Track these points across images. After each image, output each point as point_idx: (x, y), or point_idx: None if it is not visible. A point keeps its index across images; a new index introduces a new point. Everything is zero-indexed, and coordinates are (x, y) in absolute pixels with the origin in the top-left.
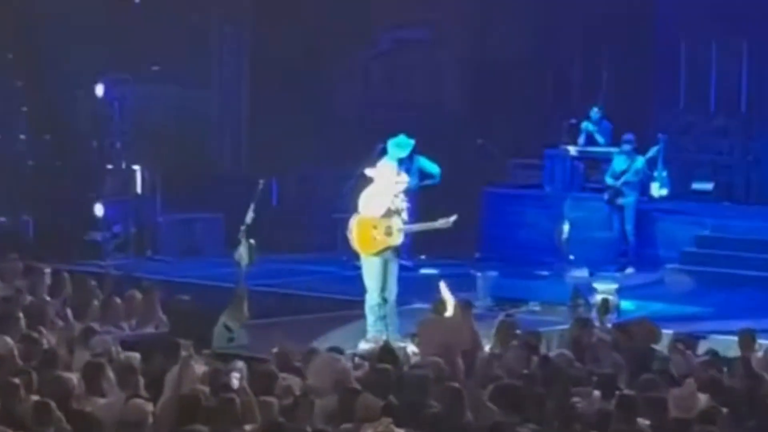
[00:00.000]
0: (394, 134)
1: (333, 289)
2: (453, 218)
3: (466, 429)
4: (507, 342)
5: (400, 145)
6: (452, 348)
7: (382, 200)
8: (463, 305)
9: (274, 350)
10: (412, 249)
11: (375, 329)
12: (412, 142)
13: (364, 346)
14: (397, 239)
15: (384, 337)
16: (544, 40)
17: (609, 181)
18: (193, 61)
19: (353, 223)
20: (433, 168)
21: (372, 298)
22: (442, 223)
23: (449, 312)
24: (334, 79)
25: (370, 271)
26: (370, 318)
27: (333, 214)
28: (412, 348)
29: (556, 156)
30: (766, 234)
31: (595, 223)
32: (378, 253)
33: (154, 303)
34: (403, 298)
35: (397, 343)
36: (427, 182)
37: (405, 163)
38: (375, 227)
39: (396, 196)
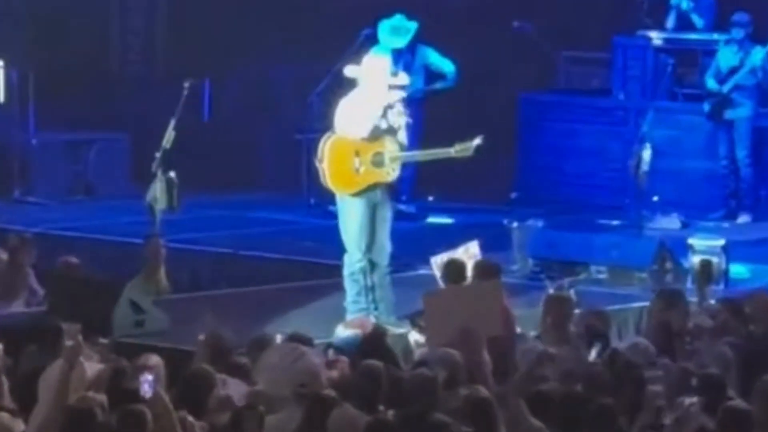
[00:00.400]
0: (387, 15)
1: (295, 248)
2: (477, 141)
3: None
4: (559, 327)
5: (396, 30)
6: (475, 336)
7: (369, 113)
8: (490, 270)
9: (203, 338)
10: (415, 187)
11: (357, 307)
12: (413, 25)
13: (342, 332)
14: (391, 172)
15: (372, 320)
16: None
17: (711, 84)
18: None
19: (326, 147)
20: (446, 64)
21: (353, 260)
22: (460, 149)
23: (470, 280)
24: None
25: (350, 220)
26: (351, 291)
27: (295, 135)
28: (414, 336)
29: (630, 46)
30: None
31: (690, 147)
32: (362, 192)
33: (23, 268)
34: (401, 261)
35: (392, 329)
36: (437, 86)
37: (404, 57)
38: (358, 154)
39: (390, 106)
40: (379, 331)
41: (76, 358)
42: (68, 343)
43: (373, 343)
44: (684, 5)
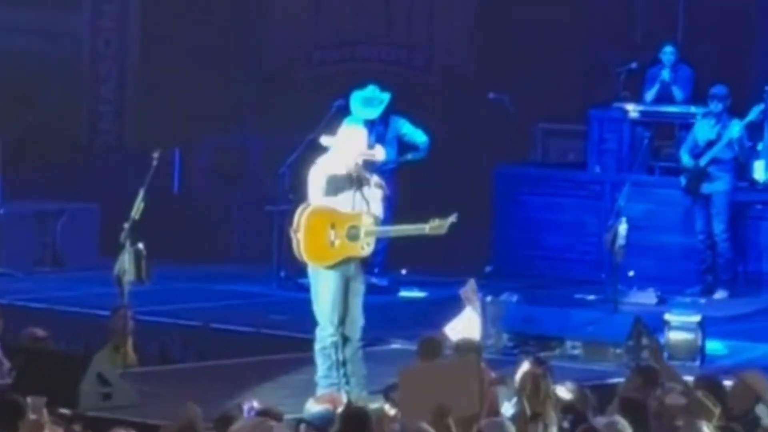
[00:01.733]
0: (360, 86)
1: (265, 321)
2: (451, 219)
3: None
4: (536, 404)
5: (368, 101)
6: (448, 413)
7: (344, 186)
8: (469, 346)
9: (175, 414)
10: (388, 260)
11: (329, 382)
12: (386, 96)
13: (312, 407)
14: (366, 247)
15: (343, 395)
16: None
17: (685, 160)
18: None
19: (303, 217)
20: (418, 136)
21: (325, 334)
22: (434, 226)
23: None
24: (267, 5)
25: (323, 293)
26: (323, 365)
27: (266, 206)
28: (388, 410)
29: (606, 119)
30: None
31: (667, 221)
32: (335, 266)
33: None
34: (373, 335)
35: (364, 404)
36: (409, 156)
37: (376, 128)
38: (334, 226)
39: (366, 179)
40: (358, 407)
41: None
42: (31, 416)
43: (351, 418)
44: (665, 77)
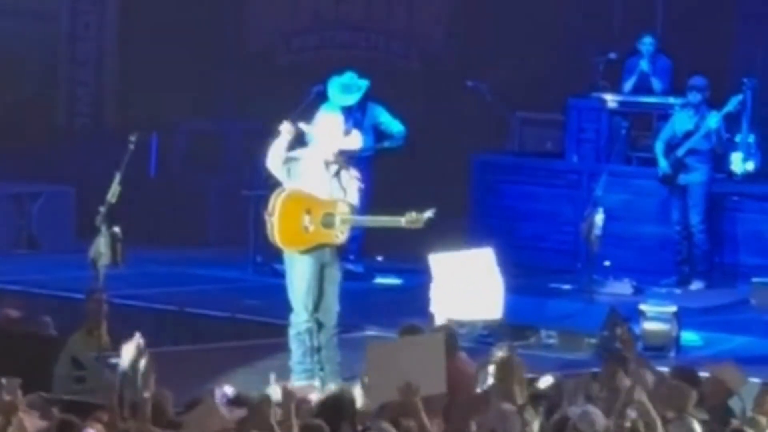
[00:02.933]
0: (339, 72)
1: (239, 306)
2: (428, 214)
3: None
4: (509, 393)
5: (346, 88)
6: (415, 392)
7: (320, 171)
8: (439, 327)
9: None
10: (364, 246)
11: (302, 368)
12: (364, 83)
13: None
14: (340, 235)
15: (316, 383)
16: None
17: (662, 149)
18: None
19: (278, 201)
20: (395, 125)
21: (299, 320)
22: (410, 220)
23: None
24: None
25: (297, 278)
26: (297, 351)
27: (243, 191)
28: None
29: (585, 108)
30: None
31: (643, 212)
32: (309, 251)
33: None
34: (349, 322)
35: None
36: (385, 144)
37: (354, 115)
38: (309, 212)
39: (343, 167)
40: (340, 394)
41: (13, 413)
42: (6, 397)
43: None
44: (644, 67)
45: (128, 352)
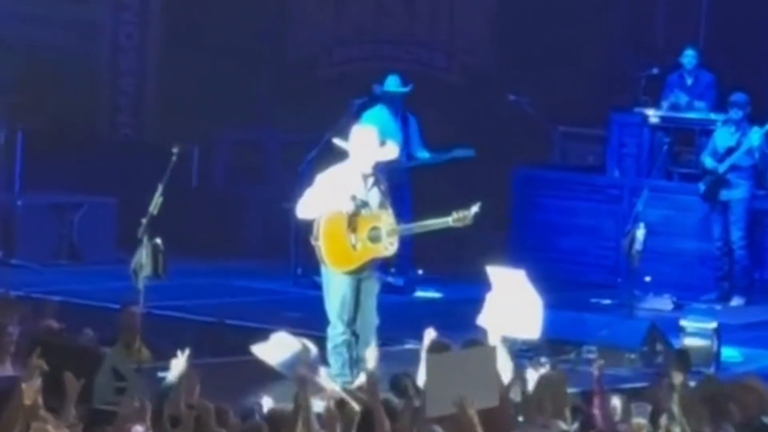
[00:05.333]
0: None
1: (280, 318)
2: (474, 209)
3: None
4: (549, 408)
5: (402, 83)
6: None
7: (359, 185)
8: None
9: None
10: (404, 260)
11: (342, 381)
12: (405, 90)
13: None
14: (389, 246)
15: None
16: None
17: (708, 163)
18: None
19: (321, 224)
20: (420, 150)
21: (336, 332)
22: (457, 218)
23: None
24: (288, 1)
25: (333, 290)
26: (336, 364)
27: (284, 203)
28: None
29: (627, 123)
30: None
31: (684, 227)
32: (358, 270)
33: (5, 332)
34: (388, 335)
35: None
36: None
37: (397, 118)
38: (354, 229)
39: (378, 180)
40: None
41: (33, 418)
42: (26, 402)
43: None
44: (687, 82)
45: (177, 366)
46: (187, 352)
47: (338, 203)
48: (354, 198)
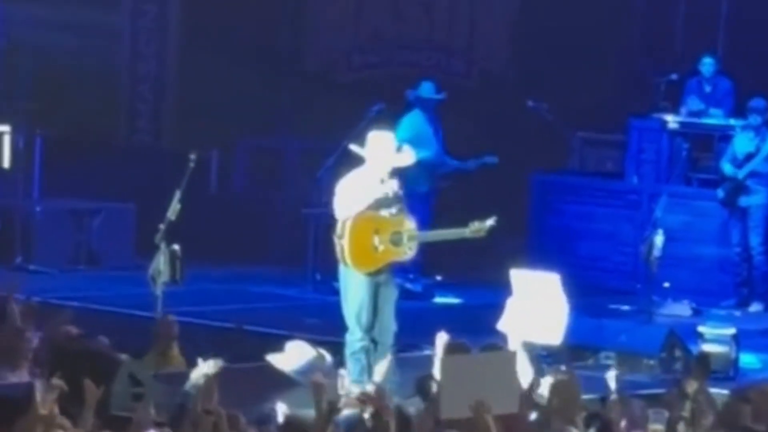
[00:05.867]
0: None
1: (298, 324)
2: (490, 222)
3: None
4: (565, 413)
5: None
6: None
7: (377, 190)
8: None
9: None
10: (423, 266)
11: (360, 387)
12: (440, 97)
13: (345, 410)
14: (408, 251)
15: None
16: None
17: (727, 169)
18: None
19: (347, 223)
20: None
21: (354, 338)
22: (474, 230)
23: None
24: (306, 8)
25: (351, 297)
26: (354, 370)
27: (303, 209)
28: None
29: (645, 129)
30: None
31: (703, 233)
32: (378, 272)
33: (24, 338)
34: (407, 341)
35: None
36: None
37: (432, 125)
38: (378, 232)
39: (397, 185)
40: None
41: (50, 427)
42: (42, 411)
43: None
44: (706, 90)
45: (198, 372)
46: (220, 361)
47: (364, 205)
48: (380, 201)
